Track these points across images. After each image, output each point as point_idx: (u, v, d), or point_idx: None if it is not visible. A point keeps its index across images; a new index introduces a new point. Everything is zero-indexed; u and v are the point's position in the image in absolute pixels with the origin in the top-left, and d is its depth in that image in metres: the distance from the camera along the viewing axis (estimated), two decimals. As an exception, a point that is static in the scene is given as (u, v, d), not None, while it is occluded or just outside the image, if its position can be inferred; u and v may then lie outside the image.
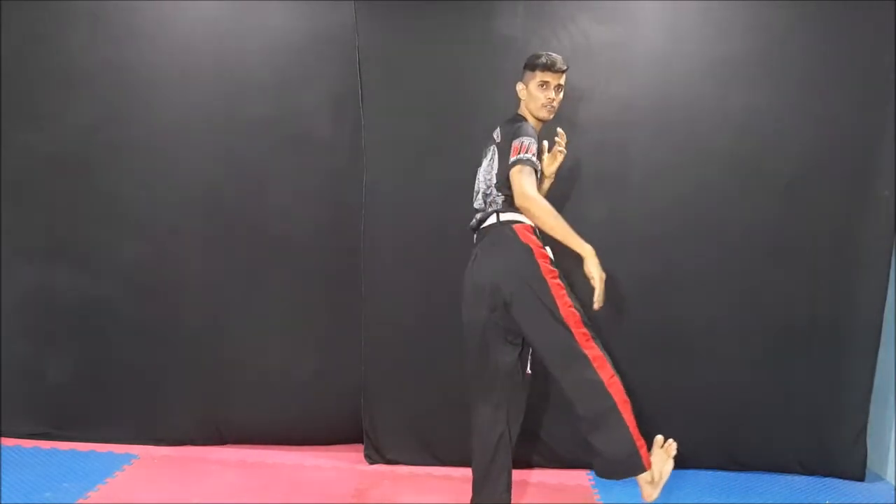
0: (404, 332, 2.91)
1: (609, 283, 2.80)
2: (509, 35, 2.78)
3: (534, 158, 2.26)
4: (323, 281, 3.01)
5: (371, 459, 2.97)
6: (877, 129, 2.78)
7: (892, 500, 2.79)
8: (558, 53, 2.77)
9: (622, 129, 2.82)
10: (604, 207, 2.84)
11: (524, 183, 2.22)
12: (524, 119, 2.39)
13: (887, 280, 2.85)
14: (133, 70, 2.91)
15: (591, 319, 2.24)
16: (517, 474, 2.50)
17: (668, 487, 2.79)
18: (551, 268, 2.25)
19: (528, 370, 2.41)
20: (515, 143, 2.27)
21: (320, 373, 3.04)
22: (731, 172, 2.83)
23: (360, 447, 3.00)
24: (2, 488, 2.60)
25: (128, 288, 3.01)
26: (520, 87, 2.43)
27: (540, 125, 2.42)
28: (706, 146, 2.82)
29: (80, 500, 2.56)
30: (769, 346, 2.89)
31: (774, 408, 2.91)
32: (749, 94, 2.79)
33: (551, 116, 2.41)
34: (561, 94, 2.41)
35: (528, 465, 2.93)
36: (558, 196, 2.83)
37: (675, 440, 2.25)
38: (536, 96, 2.37)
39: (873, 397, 2.90)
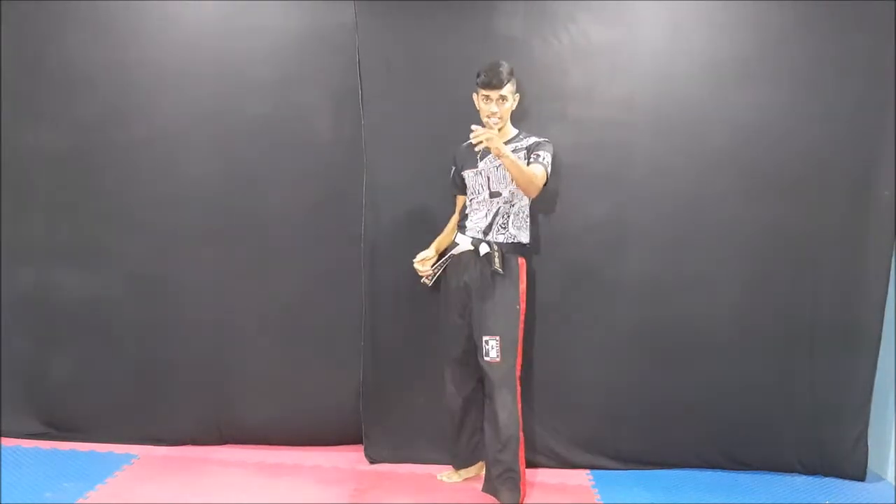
0: (404, 332, 2.91)
1: (610, 283, 2.83)
2: (509, 35, 2.78)
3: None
4: (323, 280, 3.00)
5: (371, 459, 2.97)
6: (877, 129, 2.78)
7: (893, 501, 2.78)
8: (558, 53, 2.79)
9: (623, 129, 2.82)
10: (604, 207, 2.84)
11: None
12: None
13: (888, 279, 2.85)
14: (133, 70, 2.92)
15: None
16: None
17: (669, 487, 2.80)
18: None
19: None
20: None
21: (320, 373, 3.03)
22: (731, 172, 2.82)
23: (360, 447, 3.00)
24: (2, 488, 2.60)
25: (128, 288, 3.01)
26: (474, 97, 2.56)
27: None
28: (707, 146, 2.82)
29: (80, 500, 2.56)
30: (769, 345, 2.88)
31: (775, 407, 2.90)
32: (749, 94, 2.79)
33: (497, 127, 2.49)
34: (506, 104, 2.51)
35: (529, 464, 2.93)
36: (558, 196, 2.84)
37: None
38: (481, 108, 2.52)
39: (874, 397, 2.89)
